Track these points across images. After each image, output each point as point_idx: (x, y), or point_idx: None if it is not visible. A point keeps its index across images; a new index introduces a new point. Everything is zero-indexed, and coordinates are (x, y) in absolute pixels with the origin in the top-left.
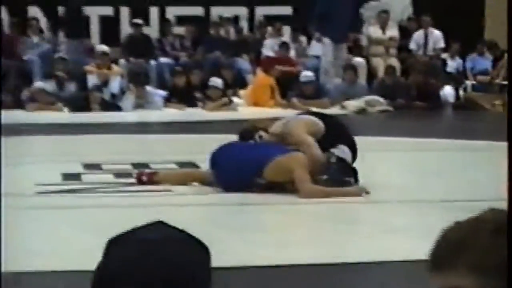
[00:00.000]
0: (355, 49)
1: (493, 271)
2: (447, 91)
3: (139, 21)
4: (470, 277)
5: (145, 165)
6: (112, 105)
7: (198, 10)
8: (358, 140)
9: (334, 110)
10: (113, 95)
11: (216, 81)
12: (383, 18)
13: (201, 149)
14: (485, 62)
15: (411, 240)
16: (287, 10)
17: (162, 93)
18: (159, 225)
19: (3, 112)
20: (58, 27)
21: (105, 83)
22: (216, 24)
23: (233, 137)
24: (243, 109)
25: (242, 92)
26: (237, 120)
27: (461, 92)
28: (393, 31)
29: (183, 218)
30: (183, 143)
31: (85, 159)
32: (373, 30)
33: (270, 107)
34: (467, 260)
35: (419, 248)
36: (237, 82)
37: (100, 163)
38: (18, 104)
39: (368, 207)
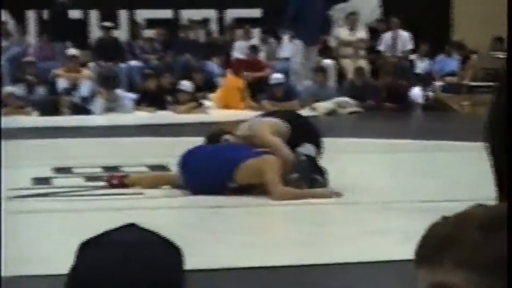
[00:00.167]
0: (325, 50)
1: (483, 268)
2: (416, 92)
3: (108, 24)
4: (458, 272)
5: (116, 168)
6: (82, 108)
7: (167, 13)
8: (329, 141)
9: (304, 112)
10: (83, 99)
11: (185, 85)
12: (352, 20)
13: (171, 152)
14: (453, 63)
15: (386, 241)
16: (256, 12)
17: (132, 96)
18: (132, 228)
19: None
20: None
21: (74, 86)
22: (186, 27)
23: (204, 140)
24: (214, 111)
25: (212, 94)
26: (208, 122)
27: (429, 93)
28: (362, 33)
29: (154, 221)
30: (154, 146)
31: (56, 163)
32: (342, 32)
33: (240, 109)
34: (454, 255)
35: (395, 249)
36: (208, 85)
37: (70, 166)
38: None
39: (342, 208)
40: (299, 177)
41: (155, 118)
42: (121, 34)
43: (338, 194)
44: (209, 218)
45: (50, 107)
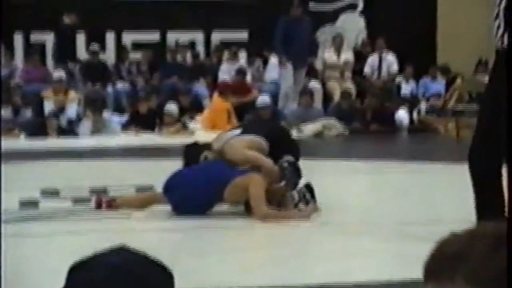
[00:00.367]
0: (311, 73)
1: (493, 284)
2: (402, 114)
3: (95, 47)
4: None
5: (103, 191)
6: (69, 131)
7: (154, 36)
8: (316, 163)
9: None
10: (70, 121)
11: (170, 108)
12: (337, 42)
13: (158, 174)
14: (438, 85)
15: (372, 262)
16: (243, 35)
17: (119, 118)
18: (122, 250)
19: None
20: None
21: (61, 109)
22: (173, 49)
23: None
24: (200, 133)
25: (199, 116)
26: None
27: (415, 115)
28: (347, 55)
29: (142, 242)
30: (141, 168)
31: (43, 185)
32: (328, 54)
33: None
34: (465, 271)
35: (380, 269)
36: (194, 107)
37: (57, 189)
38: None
39: (327, 229)
40: (285, 184)
41: (142, 140)
42: (108, 56)
43: (316, 209)
44: (195, 240)
45: (37, 130)
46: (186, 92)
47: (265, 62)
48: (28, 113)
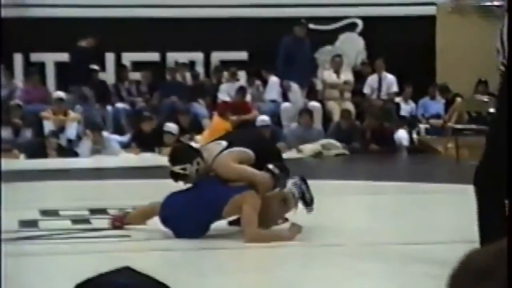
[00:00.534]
0: (310, 93)
1: None
2: (401, 134)
3: (95, 66)
4: None
5: (103, 211)
6: (68, 151)
7: (154, 56)
8: (315, 184)
9: (290, 154)
10: (69, 141)
11: (171, 127)
12: (337, 62)
13: (158, 193)
14: (437, 105)
15: (371, 283)
16: (242, 55)
17: (119, 138)
18: (127, 271)
19: None
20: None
21: (61, 129)
22: (172, 69)
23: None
24: None
25: (198, 136)
26: None
27: (414, 136)
28: (347, 75)
29: (142, 263)
30: (140, 188)
31: (42, 205)
32: (327, 74)
33: None
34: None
35: None
36: (194, 127)
37: (57, 209)
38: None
39: (326, 250)
40: (279, 189)
41: (142, 160)
42: (108, 76)
43: (299, 229)
44: (195, 260)
45: (37, 150)
46: (185, 112)
47: (265, 82)
48: (28, 133)
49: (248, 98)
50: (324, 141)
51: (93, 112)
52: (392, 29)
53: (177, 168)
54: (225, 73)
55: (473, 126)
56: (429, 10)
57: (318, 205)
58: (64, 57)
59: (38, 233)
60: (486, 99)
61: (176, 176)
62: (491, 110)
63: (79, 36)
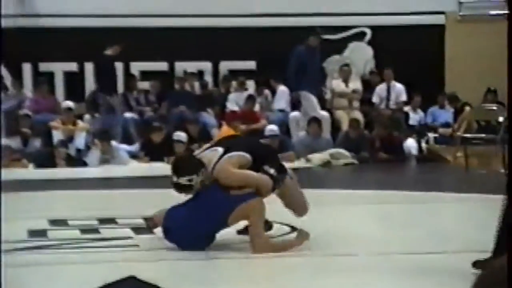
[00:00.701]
0: (319, 102)
1: None
2: (410, 143)
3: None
4: None
5: (111, 221)
6: (77, 160)
7: (162, 65)
8: (323, 193)
9: (299, 163)
10: (78, 151)
11: (180, 135)
12: (345, 72)
13: (167, 203)
14: (446, 114)
15: None
16: (251, 64)
17: (128, 148)
18: (132, 281)
19: None
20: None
21: (70, 138)
22: (181, 78)
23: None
24: None
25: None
26: None
27: (423, 145)
28: (356, 84)
29: (150, 273)
30: (149, 197)
31: (51, 215)
32: (336, 83)
33: None
34: None
35: None
36: (202, 136)
37: (66, 219)
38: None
39: (335, 260)
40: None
41: (151, 169)
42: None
43: (306, 235)
44: (202, 270)
45: (45, 159)
46: (194, 122)
47: (273, 92)
48: (36, 143)
49: (257, 107)
50: (333, 150)
51: (118, 121)
52: (401, 38)
53: (183, 180)
54: (234, 83)
55: (482, 135)
56: (438, 19)
57: (327, 214)
58: (72, 66)
59: (47, 242)
60: (495, 108)
61: (181, 188)
62: (500, 119)
63: (117, 46)
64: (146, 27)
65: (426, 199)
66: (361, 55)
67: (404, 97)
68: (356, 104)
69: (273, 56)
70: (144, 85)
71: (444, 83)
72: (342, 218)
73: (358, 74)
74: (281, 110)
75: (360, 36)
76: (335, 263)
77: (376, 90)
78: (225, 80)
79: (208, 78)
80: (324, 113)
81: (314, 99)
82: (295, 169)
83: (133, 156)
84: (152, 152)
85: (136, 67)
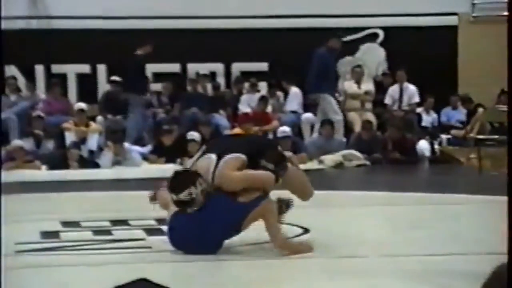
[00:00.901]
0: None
1: None
2: (423, 145)
3: (116, 78)
4: None
5: (124, 222)
6: (90, 162)
7: (175, 67)
8: (336, 194)
9: (311, 165)
10: (91, 152)
11: (194, 135)
12: (358, 73)
13: None
14: (459, 115)
15: None
16: (263, 66)
17: (140, 149)
18: (143, 283)
19: None
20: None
21: (83, 140)
22: (193, 80)
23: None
24: None
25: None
26: None
27: (436, 146)
28: (368, 86)
29: (162, 275)
30: None
31: (64, 216)
32: (348, 85)
33: None
34: None
35: None
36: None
37: (78, 220)
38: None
39: (346, 261)
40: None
41: (163, 171)
42: None
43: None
44: (213, 272)
45: (58, 161)
46: (206, 123)
47: (285, 93)
48: (49, 145)
49: (269, 109)
50: (345, 151)
51: (143, 120)
52: (414, 39)
53: (183, 196)
54: (246, 84)
55: (496, 137)
56: (451, 20)
57: (339, 215)
58: (86, 68)
59: (60, 244)
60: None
61: (183, 204)
62: None
63: (148, 46)
64: (159, 28)
65: (439, 201)
66: (373, 57)
67: (416, 99)
68: (368, 105)
69: (285, 57)
70: (157, 86)
71: (457, 84)
72: (353, 219)
73: (370, 75)
74: (294, 112)
75: (372, 38)
76: (346, 264)
77: (389, 91)
78: (237, 81)
79: (221, 79)
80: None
81: (334, 102)
82: (307, 171)
83: (145, 158)
84: (163, 155)
85: (149, 68)
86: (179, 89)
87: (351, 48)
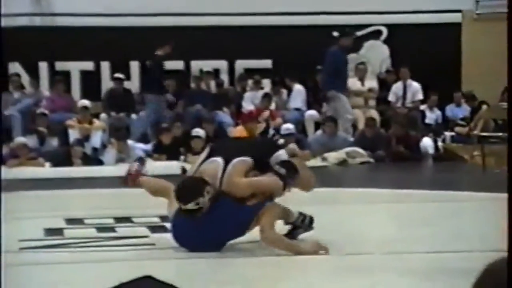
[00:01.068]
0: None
1: None
2: (427, 142)
3: (120, 75)
4: None
5: (128, 219)
6: (93, 159)
7: (178, 64)
8: (339, 191)
9: (314, 162)
10: (94, 149)
11: (199, 132)
12: (361, 70)
13: None
14: (462, 112)
15: None
16: (267, 63)
17: (144, 146)
18: (148, 280)
19: None
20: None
21: (86, 137)
22: (197, 77)
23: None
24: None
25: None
26: None
27: (440, 143)
28: (371, 83)
29: (165, 272)
30: None
31: (68, 213)
32: (352, 82)
33: None
34: None
35: None
36: (218, 135)
37: (82, 217)
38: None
39: (352, 259)
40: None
41: (167, 168)
42: (132, 85)
43: (325, 249)
44: (217, 269)
45: (62, 158)
46: (210, 120)
47: (289, 90)
48: (53, 142)
49: (273, 106)
50: (349, 149)
51: (165, 119)
52: (417, 36)
53: (190, 206)
54: (249, 81)
55: (499, 134)
56: (454, 18)
57: (343, 213)
58: (89, 65)
59: (63, 241)
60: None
61: (190, 213)
62: None
63: (167, 46)
64: (162, 26)
65: (443, 199)
66: (377, 54)
67: (420, 96)
68: (372, 102)
69: (289, 54)
70: None
71: (461, 81)
72: (358, 217)
73: (374, 72)
74: (297, 109)
75: (376, 35)
76: (351, 262)
77: (392, 88)
78: (241, 79)
79: (224, 77)
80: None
81: (347, 101)
82: (310, 168)
83: (148, 155)
84: (163, 153)
85: None
86: (183, 86)
87: (355, 45)
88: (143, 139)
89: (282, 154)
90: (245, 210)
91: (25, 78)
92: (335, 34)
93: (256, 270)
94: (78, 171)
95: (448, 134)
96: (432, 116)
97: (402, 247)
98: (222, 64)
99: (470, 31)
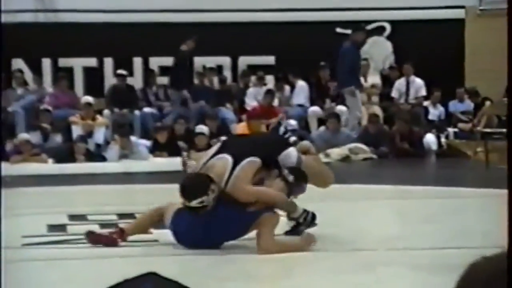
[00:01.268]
0: (338, 97)
1: None
2: (430, 138)
3: (123, 71)
4: None
5: (131, 215)
6: (97, 155)
7: None
8: (342, 188)
9: None
10: (97, 146)
11: (203, 128)
12: (364, 67)
13: None
14: (465, 107)
15: None
16: (270, 59)
17: (147, 143)
18: (152, 276)
19: None
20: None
21: (89, 133)
22: (200, 74)
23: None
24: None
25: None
26: None
27: (443, 140)
28: (374, 79)
29: (168, 268)
30: (169, 192)
31: (71, 210)
32: None
33: None
34: None
35: None
36: (222, 132)
37: (85, 214)
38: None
39: (355, 255)
40: (292, 197)
41: (170, 164)
42: (136, 81)
43: (313, 240)
44: (220, 266)
45: (65, 154)
46: (213, 117)
47: (292, 86)
48: (56, 138)
49: (276, 102)
50: (352, 145)
51: (192, 113)
52: (420, 32)
53: (194, 203)
54: (253, 78)
55: (503, 130)
56: (458, 14)
57: (346, 209)
58: (92, 62)
59: (67, 237)
60: None
61: (193, 210)
62: None
63: (191, 41)
64: (165, 22)
65: (446, 195)
66: (380, 50)
67: (423, 92)
68: (375, 99)
69: (292, 51)
70: (163, 80)
71: (464, 78)
72: (361, 213)
73: (377, 69)
74: (300, 105)
75: (379, 31)
76: (354, 258)
77: (396, 85)
78: (244, 75)
79: (227, 73)
80: (343, 108)
81: (360, 98)
82: None
83: (151, 151)
84: (160, 149)
85: (155, 62)
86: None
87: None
88: (147, 135)
89: (291, 152)
90: (246, 216)
91: (28, 75)
92: (339, 30)
93: (259, 266)
94: (81, 167)
95: (451, 130)
96: (435, 112)
97: (406, 243)
98: (225, 61)
99: (473, 27)
